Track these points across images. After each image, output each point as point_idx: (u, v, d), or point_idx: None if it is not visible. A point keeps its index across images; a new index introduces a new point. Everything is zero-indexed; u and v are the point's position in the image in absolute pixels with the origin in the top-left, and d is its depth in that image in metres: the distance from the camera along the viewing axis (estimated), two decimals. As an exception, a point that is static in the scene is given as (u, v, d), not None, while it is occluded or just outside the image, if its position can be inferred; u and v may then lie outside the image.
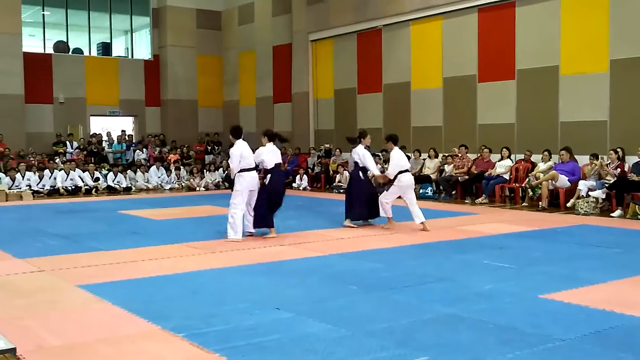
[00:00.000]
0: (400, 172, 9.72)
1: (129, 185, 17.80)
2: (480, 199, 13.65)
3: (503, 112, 14.89)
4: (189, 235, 9.30)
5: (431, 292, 5.80)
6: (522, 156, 14.04)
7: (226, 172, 18.20)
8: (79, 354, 4.24)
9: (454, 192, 14.61)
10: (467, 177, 14.27)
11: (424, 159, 15.71)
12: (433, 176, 15.13)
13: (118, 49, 23.78)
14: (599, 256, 7.57)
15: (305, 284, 6.24)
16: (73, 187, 16.74)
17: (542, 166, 13.02)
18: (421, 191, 14.78)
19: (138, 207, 13.31)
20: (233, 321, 4.88)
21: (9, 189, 15.75)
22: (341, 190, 15.58)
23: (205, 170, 19.06)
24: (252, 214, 9.15)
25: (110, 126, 22.55)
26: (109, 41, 23.21)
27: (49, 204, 14.61)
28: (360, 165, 10.12)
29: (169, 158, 20.18)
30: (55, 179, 16.76)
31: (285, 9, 21.25)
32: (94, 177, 17.37)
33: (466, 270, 6.79)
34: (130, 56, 23.75)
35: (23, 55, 19.66)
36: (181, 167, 19.36)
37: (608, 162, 12.10)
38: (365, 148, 10.17)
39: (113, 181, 17.60)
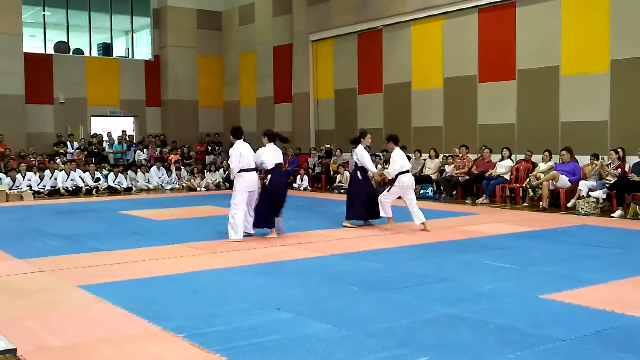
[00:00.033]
0: (401, 172, 9.71)
1: (130, 185, 17.81)
2: (480, 199, 13.65)
3: (503, 113, 14.89)
4: (189, 235, 9.30)
5: (431, 292, 5.80)
6: (522, 156, 14.03)
7: (227, 172, 18.20)
8: (79, 354, 4.24)
9: (454, 193, 14.61)
10: (467, 177, 14.27)
11: (425, 159, 15.70)
12: (433, 176, 15.13)
13: (119, 50, 23.79)
14: (600, 256, 7.56)
15: (305, 284, 6.24)
16: (74, 188, 16.75)
17: (542, 166, 13.02)
18: (422, 191, 14.78)
19: (139, 208, 13.31)
20: (234, 321, 4.88)
21: (10, 189, 15.76)
22: (342, 191, 15.59)
23: (205, 171, 19.07)
24: (252, 214, 9.16)
25: (111, 126, 22.56)
26: (109, 41, 23.22)
27: (49, 204, 14.61)
28: (359, 165, 10.13)
29: (170, 158, 20.19)
30: (55, 179, 16.77)
31: (285, 9, 21.26)
32: (95, 177, 17.38)
33: (467, 270, 6.79)
34: (130, 56, 23.76)
35: (23, 55, 19.67)
36: (182, 167, 19.38)
37: (608, 162, 12.10)
38: (365, 148, 10.18)
39: (114, 181, 17.60)
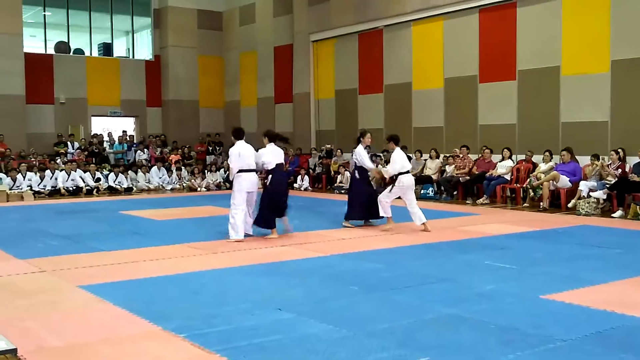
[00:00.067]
0: (401, 173, 9.70)
1: (130, 185, 17.81)
2: (481, 200, 13.65)
3: (504, 113, 14.89)
4: (190, 235, 9.30)
5: (432, 292, 5.80)
6: (523, 157, 14.03)
7: (227, 172, 18.20)
8: (80, 354, 4.24)
9: (455, 193, 14.60)
10: (468, 177, 14.27)
11: (425, 160, 15.70)
12: (434, 177, 15.13)
13: (119, 50, 23.81)
14: (600, 257, 7.56)
15: (306, 284, 6.24)
16: (74, 188, 16.75)
17: (543, 167, 13.02)
18: (422, 192, 14.79)
19: (139, 208, 13.31)
20: (234, 322, 4.88)
21: (10, 189, 15.76)
22: (342, 191, 15.59)
23: (206, 171, 19.07)
24: (252, 215, 9.16)
25: (112, 126, 22.57)
26: (110, 42, 23.24)
27: (50, 204, 14.62)
28: (358, 165, 10.14)
29: (170, 158, 20.19)
30: (56, 179, 16.77)
31: (286, 10, 21.27)
32: (95, 177, 17.38)
33: (467, 270, 6.79)
34: (131, 56, 23.77)
35: (24, 55, 19.68)
36: (182, 167, 19.38)
37: (609, 163, 12.10)
38: (365, 148, 10.18)
39: (114, 182, 17.61)
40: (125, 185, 17.62)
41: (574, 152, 12.78)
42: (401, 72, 17.28)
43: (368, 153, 10.41)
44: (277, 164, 9.16)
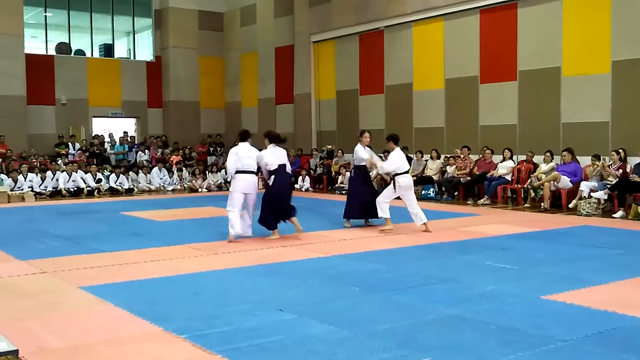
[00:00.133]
0: (398, 174, 9.65)
1: (131, 186, 17.82)
2: (482, 200, 13.65)
3: (505, 113, 14.89)
4: (191, 236, 9.31)
5: (433, 293, 5.80)
6: (524, 157, 14.03)
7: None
8: (81, 355, 4.24)
9: (456, 193, 14.60)
10: (469, 178, 14.27)
11: (426, 160, 15.69)
12: (435, 177, 15.12)
13: (120, 51, 23.82)
14: (601, 257, 7.56)
15: (307, 285, 6.24)
16: (75, 189, 16.77)
17: (544, 167, 13.01)
18: (423, 192, 14.79)
19: (140, 209, 13.32)
20: (235, 322, 4.89)
21: (11, 190, 15.78)
22: (343, 192, 15.59)
23: (207, 172, 19.07)
24: (251, 217, 9.16)
25: (113, 127, 22.58)
26: (111, 43, 23.25)
27: (51, 205, 14.63)
28: (356, 164, 10.14)
29: (171, 159, 20.20)
30: (57, 180, 16.79)
31: (287, 11, 21.28)
32: (96, 178, 17.40)
33: (468, 271, 6.78)
34: (132, 57, 23.78)
35: (25, 56, 19.70)
36: (183, 168, 19.39)
37: (610, 163, 12.09)
38: (365, 148, 10.19)
39: (115, 182, 17.62)
40: (126, 186, 17.63)
41: (575, 153, 12.78)
42: (402, 72, 17.28)
43: (368, 153, 10.41)
44: (279, 165, 9.15)
